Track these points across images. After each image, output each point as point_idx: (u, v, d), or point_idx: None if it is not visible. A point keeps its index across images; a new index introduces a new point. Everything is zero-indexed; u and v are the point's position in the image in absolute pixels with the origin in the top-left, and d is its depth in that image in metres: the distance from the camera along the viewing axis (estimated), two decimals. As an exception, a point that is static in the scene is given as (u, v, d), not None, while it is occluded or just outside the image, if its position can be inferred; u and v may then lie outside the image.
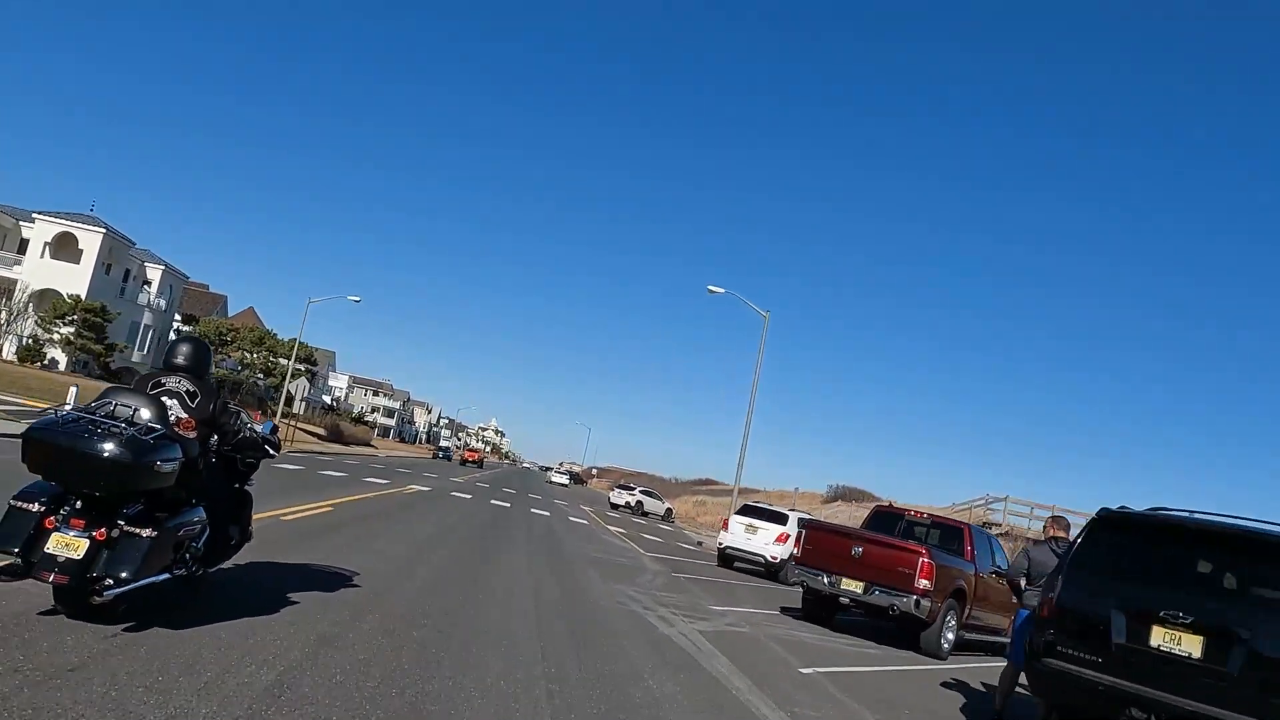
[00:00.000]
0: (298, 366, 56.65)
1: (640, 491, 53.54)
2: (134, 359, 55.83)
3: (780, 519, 21.58)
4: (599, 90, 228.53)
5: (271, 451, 6.32)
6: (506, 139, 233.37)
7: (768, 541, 21.01)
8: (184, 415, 5.48)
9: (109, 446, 4.68)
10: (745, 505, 23.80)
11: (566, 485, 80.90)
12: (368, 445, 69.31)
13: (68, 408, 5.12)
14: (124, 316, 54.01)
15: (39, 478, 4.88)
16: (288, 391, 47.94)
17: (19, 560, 4.63)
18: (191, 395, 5.61)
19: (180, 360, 5.75)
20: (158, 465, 4.87)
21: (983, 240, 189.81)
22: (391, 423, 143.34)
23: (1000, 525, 33.00)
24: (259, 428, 6.31)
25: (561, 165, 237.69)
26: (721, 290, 31.66)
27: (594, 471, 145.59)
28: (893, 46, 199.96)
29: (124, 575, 4.74)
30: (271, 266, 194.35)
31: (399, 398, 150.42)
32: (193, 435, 5.41)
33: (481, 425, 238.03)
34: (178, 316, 65.76)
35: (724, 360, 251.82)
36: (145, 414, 5.10)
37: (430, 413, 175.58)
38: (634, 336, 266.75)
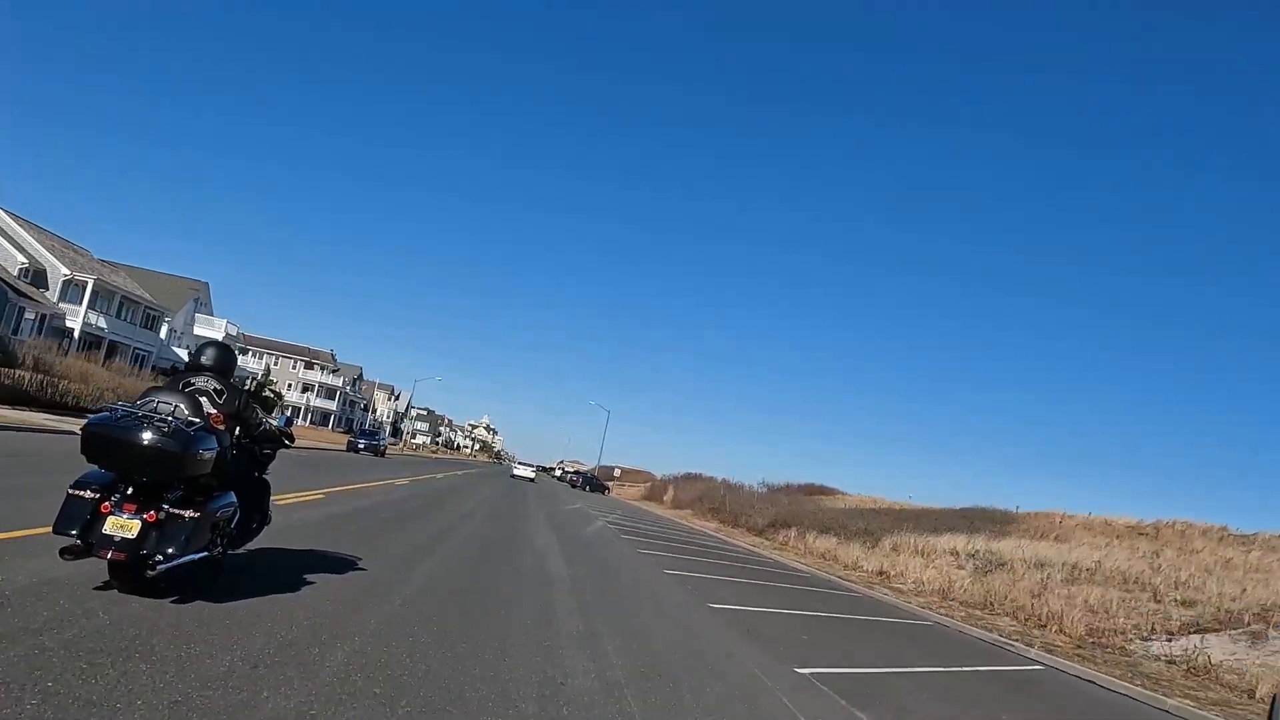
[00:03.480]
0: None
1: None
2: None
3: None
4: (594, 86, 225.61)
5: (287, 443, 6.94)
6: (491, 136, 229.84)
7: None
8: (214, 410, 6.12)
9: (158, 438, 5.31)
10: None
11: (532, 479, 66.83)
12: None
13: (120, 405, 5.71)
14: None
15: (94, 467, 5.48)
16: None
17: (79, 541, 5.25)
18: (219, 393, 6.24)
19: (206, 361, 6.38)
20: (200, 454, 5.51)
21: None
22: (332, 406, 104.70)
23: None
24: (274, 420, 6.93)
25: (563, 172, 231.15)
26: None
27: (616, 472, 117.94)
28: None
29: (171, 551, 5.38)
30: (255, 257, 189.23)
31: (347, 374, 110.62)
32: (222, 428, 6.04)
33: (472, 422, 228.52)
34: None
35: (753, 349, 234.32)
36: (184, 409, 5.72)
37: (395, 398, 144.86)
38: (635, 336, 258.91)
